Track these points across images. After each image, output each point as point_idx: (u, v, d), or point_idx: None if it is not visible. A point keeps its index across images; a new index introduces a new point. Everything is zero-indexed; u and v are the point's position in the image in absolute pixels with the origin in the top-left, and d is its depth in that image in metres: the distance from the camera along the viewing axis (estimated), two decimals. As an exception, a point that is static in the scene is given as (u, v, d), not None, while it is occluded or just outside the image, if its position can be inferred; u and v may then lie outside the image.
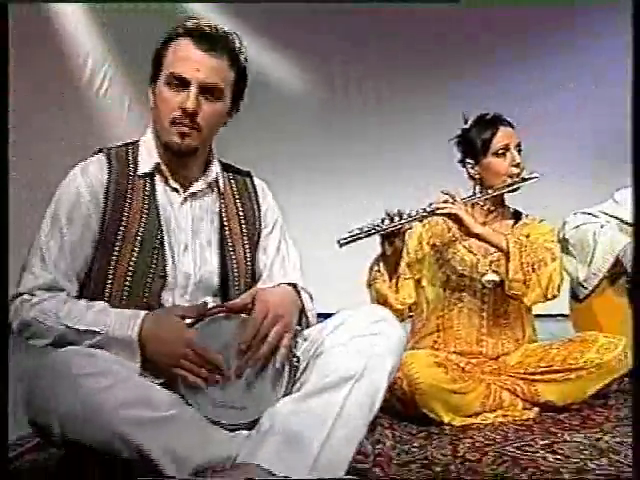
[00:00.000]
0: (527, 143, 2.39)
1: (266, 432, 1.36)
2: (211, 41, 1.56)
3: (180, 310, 1.52)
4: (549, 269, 2.19)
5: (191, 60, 1.54)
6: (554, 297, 2.23)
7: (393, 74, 4.96)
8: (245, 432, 1.42)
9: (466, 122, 2.40)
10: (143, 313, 1.47)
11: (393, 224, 2.10)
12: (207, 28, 1.58)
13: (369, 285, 2.30)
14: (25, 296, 1.51)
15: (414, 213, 2.16)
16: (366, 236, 2.09)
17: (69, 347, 1.37)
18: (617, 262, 2.56)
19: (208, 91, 1.55)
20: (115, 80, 4.84)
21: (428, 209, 2.19)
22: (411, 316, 2.48)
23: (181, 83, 1.54)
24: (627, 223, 2.63)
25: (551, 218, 2.54)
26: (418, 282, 2.42)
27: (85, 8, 4.70)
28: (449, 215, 2.23)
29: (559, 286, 2.23)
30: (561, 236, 2.67)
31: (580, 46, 4.81)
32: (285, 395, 1.46)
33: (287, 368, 1.50)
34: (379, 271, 2.26)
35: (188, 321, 1.50)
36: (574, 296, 2.70)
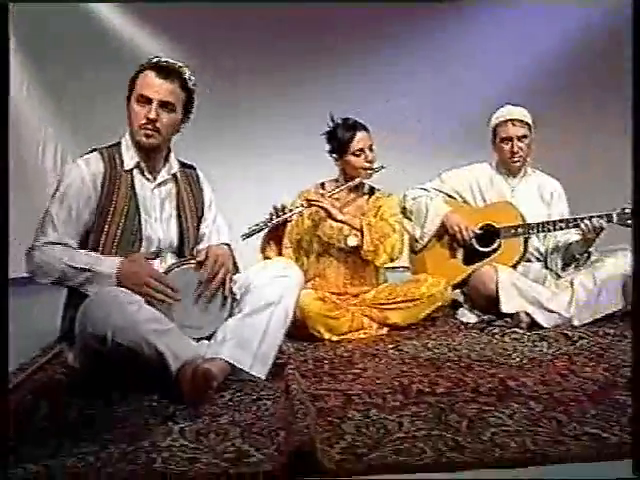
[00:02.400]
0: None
1: (222, 340, 2.16)
2: (167, 71, 2.28)
3: (143, 254, 2.25)
4: (391, 240, 3.08)
5: (152, 85, 2.26)
6: (397, 259, 3.15)
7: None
8: (206, 342, 2.21)
9: (332, 120, 3.24)
10: (121, 258, 2.18)
11: (280, 218, 2.91)
12: (165, 63, 2.29)
13: (262, 251, 3.11)
14: (37, 247, 2.19)
15: (294, 208, 2.99)
16: (261, 230, 2.91)
17: (112, 287, 2.08)
18: (442, 224, 3.49)
19: (165, 106, 2.27)
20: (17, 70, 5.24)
21: (305, 204, 3.03)
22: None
23: (146, 101, 2.25)
24: (450, 196, 3.59)
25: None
26: (299, 244, 3.26)
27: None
28: (320, 207, 3.08)
29: (400, 251, 3.14)
30: (403, 205, 3.58)
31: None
32: (228, 317, 2.27)
33: (229, 299, 2.30)
34: (268, 242, 3.07)
35: (163, 267, 2.26)
36: (412, 250, 3.60)
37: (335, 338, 2.95)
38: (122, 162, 2.31)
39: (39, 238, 2.22)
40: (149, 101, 2.25)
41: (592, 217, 3.16)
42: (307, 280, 3.21)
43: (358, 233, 3.10)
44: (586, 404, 1.89)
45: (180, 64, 2.34)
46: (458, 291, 3.48)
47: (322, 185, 3.32)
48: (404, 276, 3.55)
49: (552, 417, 1.79)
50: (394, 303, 3.12)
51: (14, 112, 5.20)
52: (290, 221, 3.08)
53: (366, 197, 3.32)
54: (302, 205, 3.05)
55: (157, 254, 2.29)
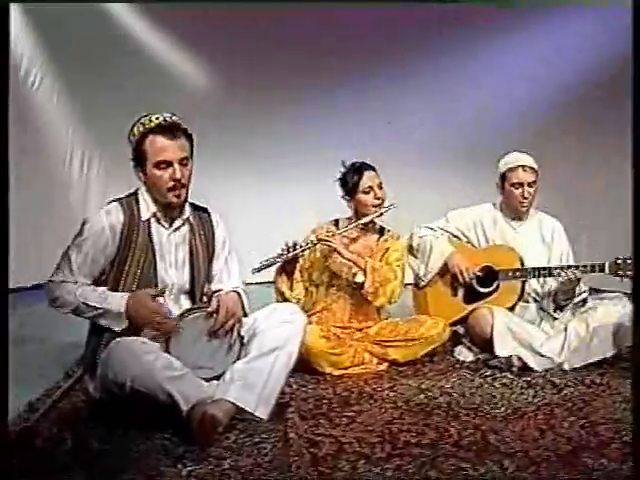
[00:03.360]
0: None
1: (230, 381, 2.37)
2: (172, 130, 2.46)
3: (149, 292, 2.45)
4: (392, 286, 3.29)
5: (167, 148, 2.45)
6: (395, 302, 3.36)
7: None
8: (215, 382, 2.42)
9: (344, 166, 3.44)
10: (127, 294, 2.41)
11: (290, 254, 3.12)
12: (165, 122, 2.46)
13: (275, 282, 3.32)
14: (55, 282, 2.44)
15: (304, 244, 3.20)
16: (272, 264, 3.12)
17: (128, 338, 2.31)
18: (444, 264, 3.69)
19: (182, 162, 2.48)
20: (47, 75, 5.49)
21: (315, 241, 3.24)
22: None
23: (166, 164, 2.45)
24: (455, 236, 3.78)
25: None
26: (309, 278, 3.46)
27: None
28: (329, 246, 3.29)
29: (398, 295, 3.35)
30: (410, 243, 3.77)
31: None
32: (236, 359, 2.48)
33: (237, 343, 2.52)
34: (280, 275, 3.29)
35: (176, 309, 2.48)
36: (416, 285, 3.81)
37: (337, 373, 3.16)
38: (139, 212, 2.52)
39: (57, 275, 2.47)
40: (169, 164, 2.44)
41: (586, 266, 3.33)
42: (314, 313, 3.43)
43: (363, 272, 3.29)
44: (556, 465, 2.08)
45: (174, 116, 2.51)
46: (459, 326, 3.67)
47: (336, 222, 3.52)
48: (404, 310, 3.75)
49: (522, 478, 1.98)
50: (395, 341, 3.32)
51: (45, 119, 5.49)
52: (301, 257, 3.29)
53: (376, 237, 3.51)
54: (312, 242, 3.26)
55: (163, 291, 2.50)
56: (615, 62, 4.73)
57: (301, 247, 3.19)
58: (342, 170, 3.42)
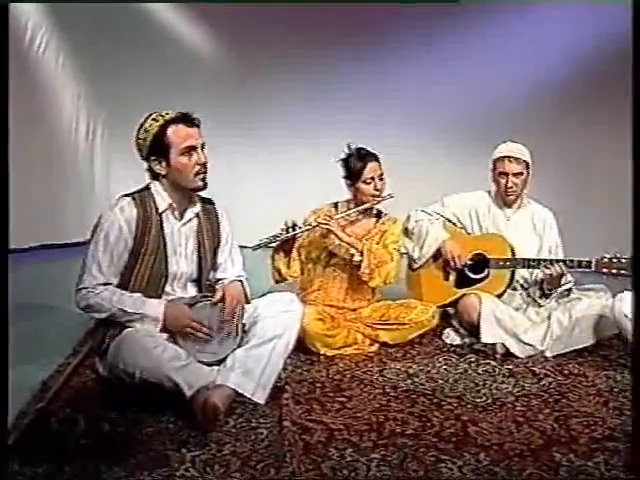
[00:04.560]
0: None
1: (230, 367, 2.54)
2: (189, 119, 2.62)
3: (184, 300, 2.65)
4: (387, 267, 3.45)
5: (190, 135, 2.60)
6: (390, 283, 3.52)
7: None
8: (216, 367, 2.59)
9: (349, 148, 3.56)
10: (164, 302, 2.59)
11: (289, 234, 3.27)
12: (179, 114, 2.60)
13: (272, 259, 3.48)
14: (89, 289, 2.57)
15: (303, 226, 3.34)
16: (270, 243, 3.27)
17: (138, 330, 2.49)
18: (438, 249, 3.84)
19: (202, 147, 2.63)
20: (52, 39, 5.53)
21: (314, 223, 3.39)
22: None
23: (192, 150, 2.59)
24: (450, 221, 3.92)
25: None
26: (307, 257, 3.61)
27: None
28: (328, 229, 3.43)
29: (394, 277, 3.51)
30: (406, 225, 3.91)
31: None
32: (238, 346, 2.65)
33: (239, 330, 2.69)
34: (278, 253, 3.44)
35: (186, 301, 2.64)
36: (410, 267, 3.97)
37: (330, 353, 3.35)
38: (155, 205, 2.66)
39: (89, 280, 2.58)
40: (194, 149, 2.59)
41: (573, 261, 3.49)
42: (311, 291, 3.60)
43: (359, 254, 3.45)
44: (527, 460, 2.27)
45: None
46: (450, 308, 3.84)
47: (335, 205, 3.66)
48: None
49: (494, 472, 2.17)
50: (386, 324, 3.51)
51: (46, 85, 5.54)
52: (300, 236, 3.44)
53: (374, 220, 3.66)
54: (310, 224, 3.41)
55: (198, 300, 2.68)
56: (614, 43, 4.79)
57: (300, 228, 3.33)
58: (346, 151, 3.53)
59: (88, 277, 2.58)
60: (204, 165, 2.61)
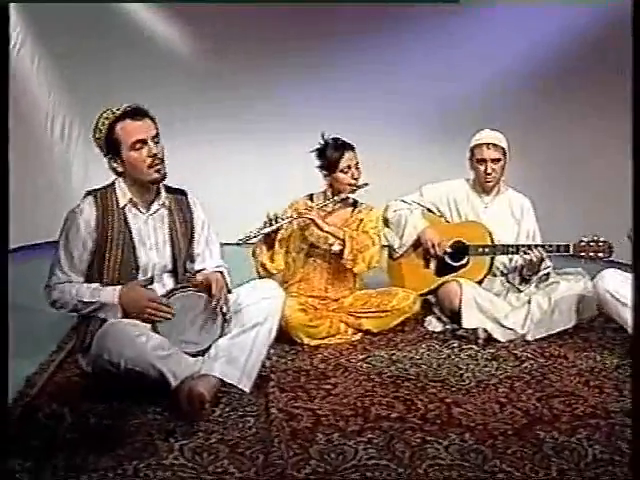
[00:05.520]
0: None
1: (215, 357, 2.55)
2: (137, 113, 2.61)
3: (139, 282, 2.64)
4: (370, 252, 3.48)
5: (138, 128, 2.59)
6: (374, 268, 3.55)
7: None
8: (200, 357, 2.60)
9: (323, 138, 3.57)
10: (119, 287, 2.58)
11: (273, 227, 3.28)
12: (128, 108, 2.60)
13: (254, 255, 3.49)
14: (51, 287, 2.62)
15: (285, 218, 3.36)
16: (255, 237, 3.28)
17: (121, 320, 2.48)
18: (418, 238, 3.86)
19: (154, 139, 2.62)
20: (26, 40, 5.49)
21: (295, 215, 3.42)
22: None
23: (141, 144, 2.58)
24: (429, 210, 3.95)
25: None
26: (287, 250, 3.63)
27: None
28: (308, 219, 3.45)
29: (377, 261, 3.54)
30: (385, 215, 3.94)
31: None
32: (220, 335, 2.65)
33: (221, 319, 2.69)
34: (260, 247, 3.45)
35: (163, 289, 2.64)
36: (390, 256, 3.99)
37: (314, 343, 3.36)
38: (116, 201, 2.66)
39: (52, 279, 2.65)
40: (144, 142, 2.58)
41: (552, 245, 3.54)
42: (293, 283, 3.62)
43: (341, 242, 3.47)
44: (510, 439, 2.30)
45: (137, 104, 2.65)
46: (431, 296, 3.88)
47: (310, 197, 3.67)
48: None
49: (480, 451, 2.20)
50: (368, 312, 3.54)
51: (21, 84, 5.49)
52: (281, 229, 3.45)
53: (350, 209, 3.69)
54: (292, 216, 3.42)
55: (152, 279, 2.67)
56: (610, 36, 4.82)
57: (282, 220, 3.34)
58: (321, 142, 3.55)
59: (52, 277, 2.64)
60: (156, 156, 2.59)
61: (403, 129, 5.91)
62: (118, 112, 2.58)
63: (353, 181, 3.53)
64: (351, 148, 3.54)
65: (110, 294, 2.56)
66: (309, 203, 3.60)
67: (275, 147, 5.87)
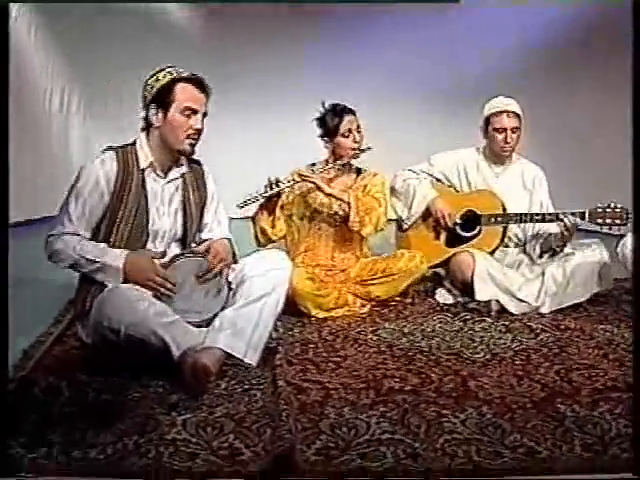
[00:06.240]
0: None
1: (219, 328, 2.43)
2: (201, 85, 2.55)
3: (150, 253, 2.53)
4: (377, 213, 3.38)
5: (197, 99, 2.53)
6: (382, 230, 3.45)
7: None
8: (204, 328, 2.49)
9: (324, 106, 3.45)
10: (127, 252, 2.47)
11: (273, 190, 3.15)
12: (194, 75, 2.55)
13: (253, 220, 3.36)
14: (55, 235, 2.48)
15: (287, 182, 3.23)
16: (256, 200, 3.15)
17: (122, 285, 2.36)
18: (427, 208, 3.74)
19: (204, 115, 2.55)
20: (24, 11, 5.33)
21: (297, 178, 3.29)
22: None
23: (192, 112, 2.50)
24: (438, 180, 3.82)
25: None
26: (290, 217, 3.52)
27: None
28: (311, 182, 3.33)
29: (384, 223, 3.43)
30: (393, 185, 3.82)
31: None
32: (224, 305, 2.54)
33: (226, 289, 2.58)
34: (261, 212, 3.32)
35: (167, 259, 2.52)
36: (399, 227, 3.88)
37: (322, 315, 3.26)
38: (137, 161, 2.55)
39: (57, 228, 2.50)
40: (194, 112, 2.51)
41: (566, 214, 3.40)
42: (298, 254, 3.50)
43: (346, 206, 3.36)
44: (530, 412, 2.19)
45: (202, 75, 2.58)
46: (441, 269, 3.76)
47: (313, 165, 3.55)
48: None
49: (498, 425, 2.09)
50: (375, 278, 3.43)
51: (19, 57, 5.34)
52: (283, 193, 3.32)
53: (353, 176, 3.58)
54: (294, 179, 3.30)
55: (164, 254, 2.54)
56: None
57: (284, 184, 3.22)
58: (322, 110, 3.44)
59: (58, 226, 2.51)
60: (198, 131, 2.54)
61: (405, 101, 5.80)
62: (185, 74, 2.53)
63: (355, 145, 3.41)
64: (351, 112, 3.43)
65: (116, 256, 2.45)
66: (311, 169, 3.47)
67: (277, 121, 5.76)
